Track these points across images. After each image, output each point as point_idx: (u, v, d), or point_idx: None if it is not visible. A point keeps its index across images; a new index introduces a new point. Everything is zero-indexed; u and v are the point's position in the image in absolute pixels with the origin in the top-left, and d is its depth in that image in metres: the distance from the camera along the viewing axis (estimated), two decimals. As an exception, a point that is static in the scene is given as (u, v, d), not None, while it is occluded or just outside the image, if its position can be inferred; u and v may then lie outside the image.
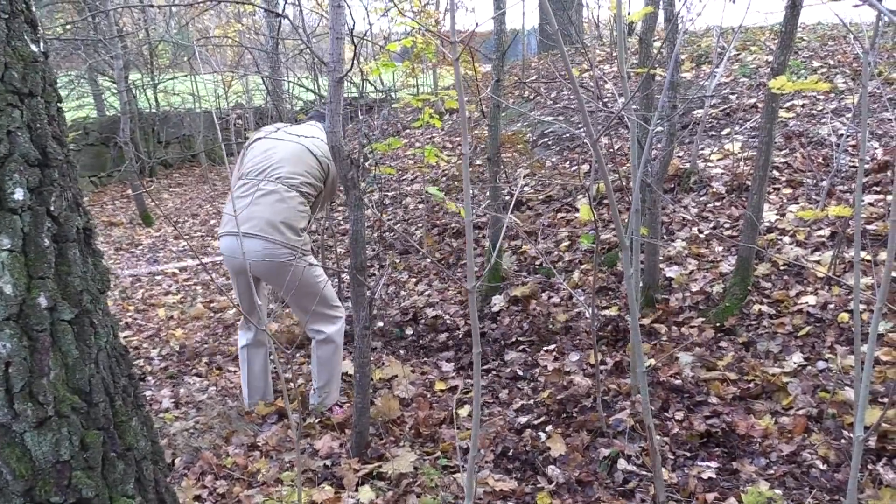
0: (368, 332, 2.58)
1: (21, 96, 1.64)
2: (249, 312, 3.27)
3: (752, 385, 2.97)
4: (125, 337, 4.68)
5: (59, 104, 1.78)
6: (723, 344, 3.33)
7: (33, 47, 1.71)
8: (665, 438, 2.72)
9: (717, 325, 3.43)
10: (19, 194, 1.60)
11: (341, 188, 2.76)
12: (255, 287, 2.71)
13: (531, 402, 3.23)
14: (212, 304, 5.28)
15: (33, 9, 1.75)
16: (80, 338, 1.68)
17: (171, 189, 10.42)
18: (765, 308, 3.39)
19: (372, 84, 3.42)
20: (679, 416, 2.86)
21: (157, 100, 11.30)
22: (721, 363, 3.15)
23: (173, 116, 11.40)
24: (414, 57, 5.19)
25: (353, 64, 2.21)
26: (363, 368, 2.62)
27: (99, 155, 10.56)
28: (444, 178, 6.45)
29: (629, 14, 3.46)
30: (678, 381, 3.07)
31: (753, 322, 3.36)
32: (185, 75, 9.95)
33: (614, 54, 8.29)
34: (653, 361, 3.28)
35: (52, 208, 1.66)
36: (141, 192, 8.40)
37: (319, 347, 3.27)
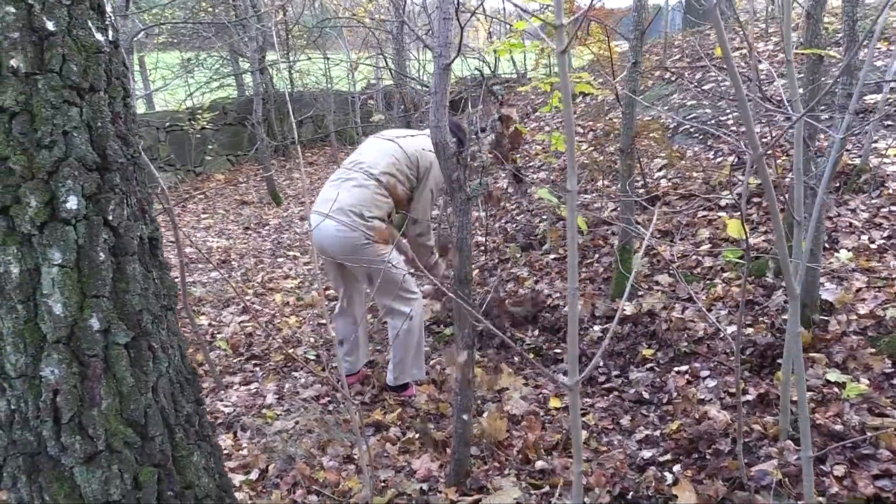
0: (472, 353, 2.29)
1: (80, 92, 1.47)
2: (337, 287, 3.57)
3: (933, 438, 2.43)
4: (241, 322, 4.67)
5: (125, 99, 1.59)
6: (897, 382, 2.78)
7: (98, 36, 1.52)
8: (821, 499, 2.26)
9: (891, 358, 2.87)
10: (73, 203, 1.43)
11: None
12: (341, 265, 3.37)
13: (657, 433, 2.84)
14: (328, 292, 5.20)
15: (102, -7, 1.57)
16: (136, 364, 1.50)
17: (302, 169, 10.58)
18: (954, 341, 2.79)
19: (480, 71, 3.11)
20: (839, 471, 2.37)
21: (291, 80, 11.51)
22: (894, 407, 2.61)
23: (307, 96, 11.58)
24: (547, 36, 4.80)
25: (459, 49, 1.90)
26: (464, 392, 2.34)
27: (236, 134, 10.89)
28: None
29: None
30: (839, 427, 2.57)
31: (939, 357, 2.77)
32: (319, 57, 10.03)
33: (771, 30, 7.47)
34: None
35: (110, 217, 1.48)
36: (271, 172, 8.53)
37: (394, 325, 3.35)
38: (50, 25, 1.42)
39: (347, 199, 3.10)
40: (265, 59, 10.30)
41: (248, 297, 5.22)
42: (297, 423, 3.22)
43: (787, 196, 3.58)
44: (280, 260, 6.27)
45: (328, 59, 10.52)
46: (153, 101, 11.52)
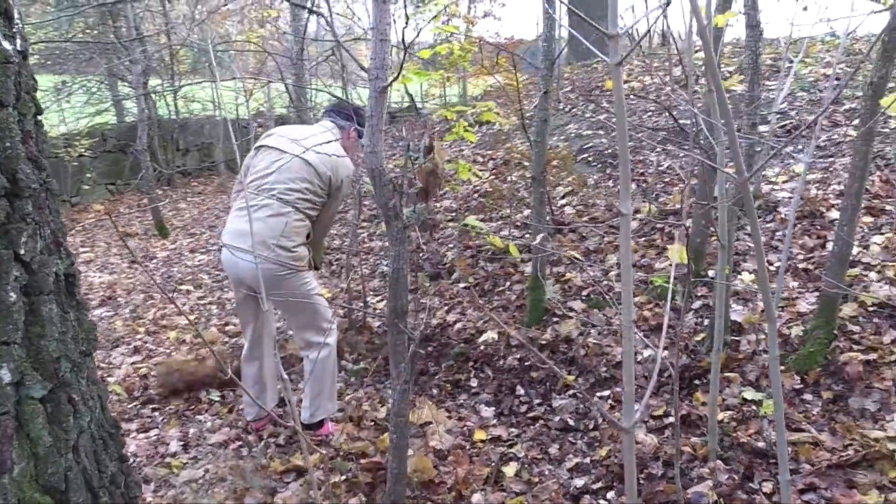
0: (409, 387, 2.19)
1: (-14, 107, 1.28)
2: (245, 323, 3.31)
3: (850, 451, 2.54)
4: (133, 363, 4.33)
5: (37, 116, 1.40)
6: (807, 397, 2.91)
7: (6, 45, 1.34)
8: (755, 518, 2.30)
9: (799, 374, 3.00)
10: (-22, 235, 1.23)
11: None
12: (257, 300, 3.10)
13: (587, 460, 2.82)
14: (227, 328, 4.92)
15: (8, -3, 1.38)
16: (54, 420, 1.30)
17: (188, 199, 10.11)
18: (855, 356, 2.96)
19: (411, 96, 3.07)
20: (767, 487, 2.44)
21: (176, 106, 11.02)
22: (808, 422, 2.72)
23: (193, 123, 11.11)
24: (449, 65, 4.81)
25: (400, 71, 1.83)
26: (400, 429, 2.23)
27: (116, 162, 10.27)
28: (476, 195, 6.06)
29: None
30: (761, 444, 2.65)
31: (842, 373, 2.93)
32: (206, 81, 9.67)
33: (655, 65, 7.89)
34: (724, 416, 2.87)
35: (21, 251, 1.28)
36: (157, 203, 8.08)
37: (308, 363, 3.19)
38: (-51, 30, 1.23)
39: (266, 232, 2.91)
40: (147, 83, 9.82)
41: (139, 336, 4.86)
42: (206, 471, 2.98)
43: (691, 222, 3.72)
44: (172, 295, 5.89)
45: (201, 82, 10.14)
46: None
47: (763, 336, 3.25)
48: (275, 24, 9.53)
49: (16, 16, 1.39)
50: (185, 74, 11.14)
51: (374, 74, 1.94)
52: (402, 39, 1.70)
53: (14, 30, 1.38)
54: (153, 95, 10.08)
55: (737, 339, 3.27)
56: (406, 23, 1.71)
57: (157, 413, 3.66)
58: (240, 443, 3.24)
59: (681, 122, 3.17)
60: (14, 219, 1.29)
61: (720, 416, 2.84)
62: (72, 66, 9.45)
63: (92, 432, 1.39)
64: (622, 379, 3.16)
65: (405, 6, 1.66)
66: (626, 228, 0.93)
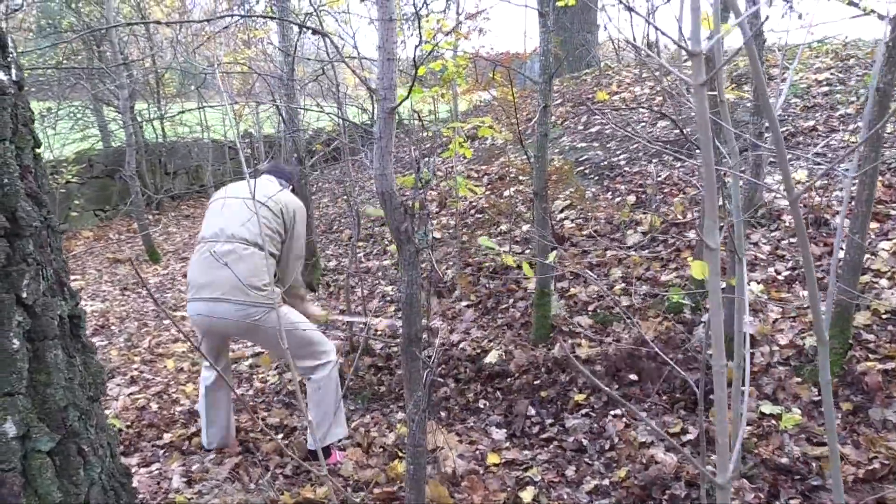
0: (425, 416, 2.11)
1: (-18, 142, 1.20)
2: (215, 358, 3.29)
3: (876, 464, 2.48)
4: (131, 394, 4.21)
5: (35, 149, 1.32)
6: (826, 409, 2.84)
7: (1, 75, 1.27)
8: (785, 538, 2.23)
9: (816, 385, 2.94)
10: (-23, 279, 1.15)
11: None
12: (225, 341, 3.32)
13: (606, 482, 2.74)
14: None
15: (2, 26, 1.30)
16: (63, 473, 1.22)
17: (179, 223, 10.00)
18: (872, 366, 2.90)
19: (418, 114, 3.01)
20: (795, 506, 2.37)
21: (163, 130, 10.93)
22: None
23: (181, 147, 11.02)
24: (444, 82, 4.77)
25: (410, 91, 1.77)
26: (417, 459, 2.14)
27: (104, 188, 10.16)
28: (473, 211, 6.00)
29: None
30: (784, 460, 2.58)
31: (860, 383, 2.87)
32: (197, 108, 9.59)
33: (644, 75, 7.89)
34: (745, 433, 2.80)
35: (24, 294, 1.20)
36: (147, 228, 7.98)
37: (311, 384, 3.14)
38: (-57, 62, 1.16)
39: (239, 275, 2.87)
40: (134, 108, 9.74)
41: (134, 366, 4.74)
42: (212, 507, 2.87)
43: (696, 230, 3.67)
44: (167, 322, 5.78)
45: (203, 107, 10.08)
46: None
47: (777, 348, 3.19)
48: (265, 44, 9.50)
49: (10, 45, 1.32)
50: (172, 98, 11.06)
51: (382, 95, 1.88)
52: (414, 58, 1.64)
53: (8, 60, 1.30)
54: (139, 119, 10.00)
55: (751, 350, 3.21)
56: (420, 40, 1.65)
57: (157, 446, 3.55)
58: (245, 476, 3.14)
59: (683, 132, 3.14)
60: (15, 260, 1.21)
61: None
62: (57, 92, 9.36)
63: (103, 483, 1.31)
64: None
65: (419, 24, 1.60)
66: (716, 264, 0.87)
